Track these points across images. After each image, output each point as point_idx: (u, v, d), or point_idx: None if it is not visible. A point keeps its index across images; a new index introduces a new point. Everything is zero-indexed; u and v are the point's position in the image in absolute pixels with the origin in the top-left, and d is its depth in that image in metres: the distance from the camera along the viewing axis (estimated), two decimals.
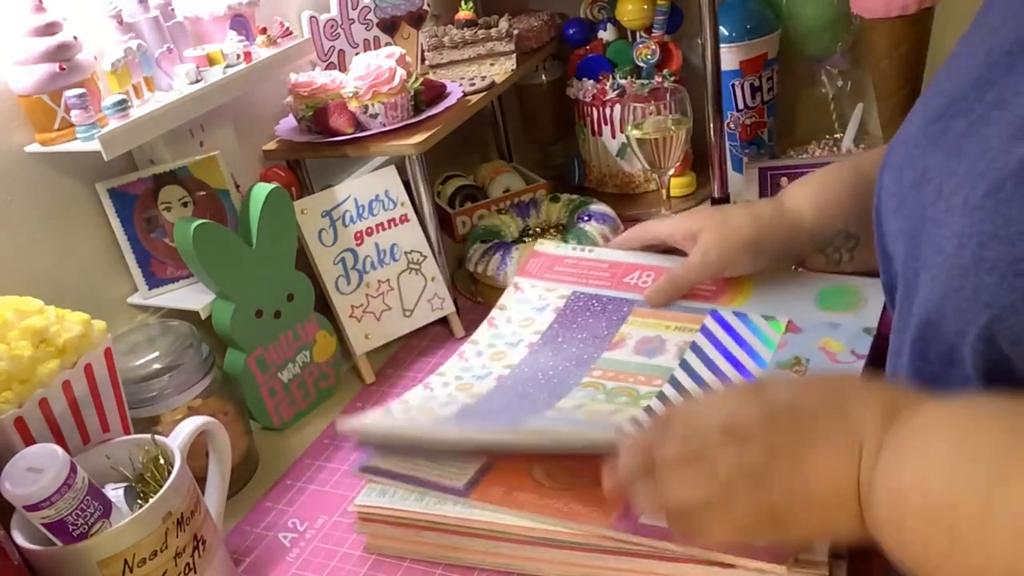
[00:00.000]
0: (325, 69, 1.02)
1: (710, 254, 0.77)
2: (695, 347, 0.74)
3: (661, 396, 0.69)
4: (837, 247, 0.77)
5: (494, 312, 0.85)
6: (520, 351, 0.78)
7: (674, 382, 0.71)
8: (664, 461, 0.50)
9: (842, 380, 0.48)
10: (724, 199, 1.09)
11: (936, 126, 0.48)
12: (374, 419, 0.71)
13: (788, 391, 0.49)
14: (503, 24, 1.08)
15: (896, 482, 0.42)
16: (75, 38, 0.74)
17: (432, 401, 0.73)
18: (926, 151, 0.48)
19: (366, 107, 0.92)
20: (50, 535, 0.57)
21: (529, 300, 0.85)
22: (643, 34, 1.17)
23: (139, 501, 0.62)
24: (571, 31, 1.22)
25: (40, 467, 0.55)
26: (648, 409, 0.67)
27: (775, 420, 0.47)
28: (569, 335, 0.79)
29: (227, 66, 0.85)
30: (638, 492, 0.52)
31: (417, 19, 1.09)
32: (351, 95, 0.92)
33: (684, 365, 0.72)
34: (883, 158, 0.55)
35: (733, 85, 1.15)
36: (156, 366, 0.74)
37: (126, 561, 0.57)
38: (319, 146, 0.94)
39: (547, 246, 0.91)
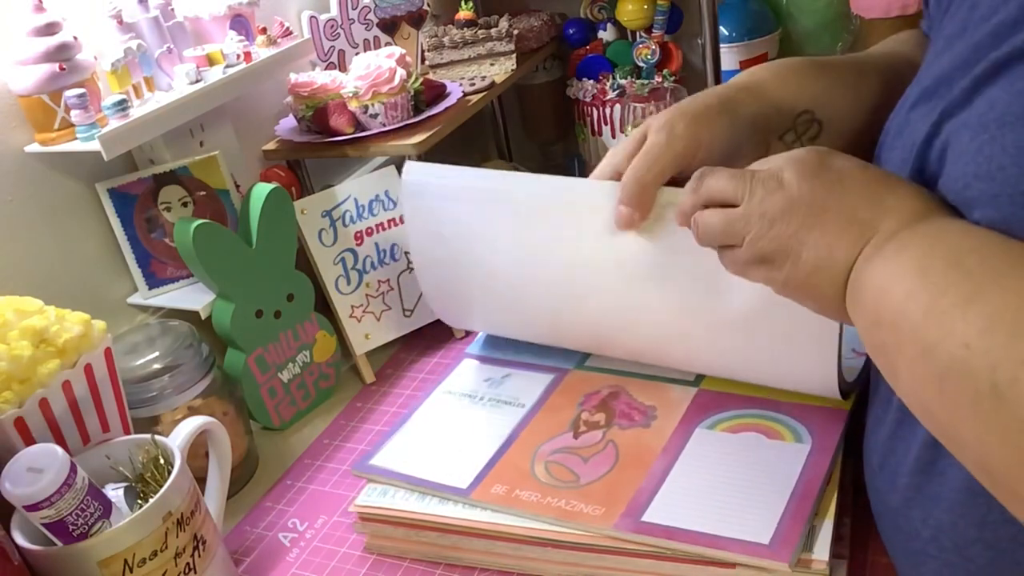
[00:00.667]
0: (325, 69, 1.02)
1: (677, 125, 0.62)
2: None
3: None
4: (798, 134, 0.68)
5: None
6: None
7: None
8: (707, 182, 0.55)
9: (898, 180, 0.49)
10: None
11: (925, 106, 0.49)
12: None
13: (848, 168, 0.50)
14: (503, 24, 1.08)
15: (883, 274, 0.44)
16: (75, 38, 0.74)
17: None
18: (916, 127, 0.49)
19: (366, 107, 0.92)
20: (50, 535, 0.57)
21: None
22: (643, 34, 1.17)
23: (139, 501, 0.62)
24: (571, 31, 1.22)
25: (40, 467, 0.55)
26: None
27: (817, 186, 0.49)
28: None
29: (227, 66, 0.85)
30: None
31: (417, 19, 1.09)
32: (351, 95, 0.92)
33: None
34: (878, 142, 0.56)
35: None
36: (156, 366, 0.74)
37: (126, 561, 0.57)
38: (319, 146, 0.94)
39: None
